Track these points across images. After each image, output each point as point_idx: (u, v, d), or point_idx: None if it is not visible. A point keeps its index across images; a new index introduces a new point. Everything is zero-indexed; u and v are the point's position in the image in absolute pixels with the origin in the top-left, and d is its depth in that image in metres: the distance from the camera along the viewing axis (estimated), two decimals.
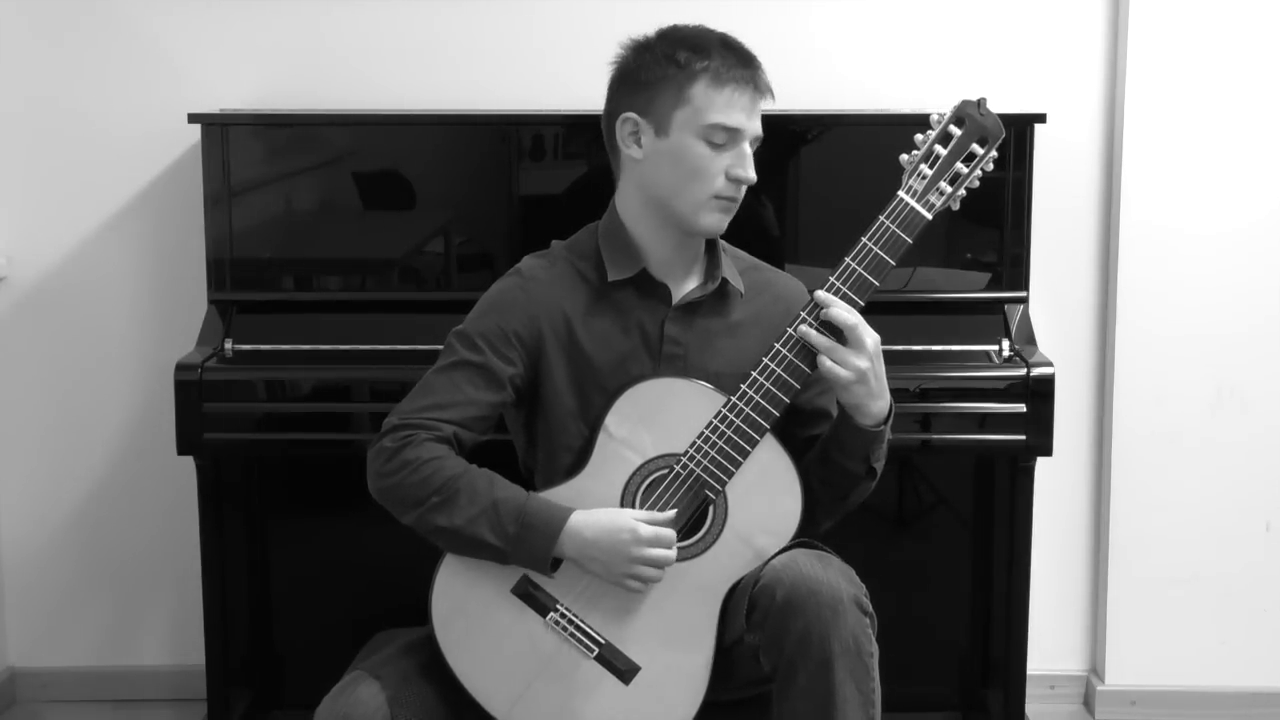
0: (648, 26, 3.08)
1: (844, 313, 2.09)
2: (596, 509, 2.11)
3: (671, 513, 2.11)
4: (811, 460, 2.20)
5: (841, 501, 2.23)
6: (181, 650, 3.29)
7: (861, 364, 2.08)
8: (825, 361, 2.08)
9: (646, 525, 2.08)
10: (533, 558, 2.10)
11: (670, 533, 2.10)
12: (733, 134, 2.15)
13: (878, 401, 2.12)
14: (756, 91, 2.16)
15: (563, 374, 2.20)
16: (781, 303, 2.27)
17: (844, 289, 2.10)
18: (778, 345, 2.10)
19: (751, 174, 2.17)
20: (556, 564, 2.11)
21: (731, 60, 2.15)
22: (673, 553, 2.09)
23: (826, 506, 2.23)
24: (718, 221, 2.20)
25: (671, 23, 2.24)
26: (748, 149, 2.17)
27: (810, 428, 2.24)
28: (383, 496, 2.15)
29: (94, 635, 3.34)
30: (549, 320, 2.20)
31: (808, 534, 2.17)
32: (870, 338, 2.09)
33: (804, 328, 2.09)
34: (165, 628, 3.33)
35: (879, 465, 2.20)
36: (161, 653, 3.33)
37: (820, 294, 2.10)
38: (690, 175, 2.16)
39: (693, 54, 2.15)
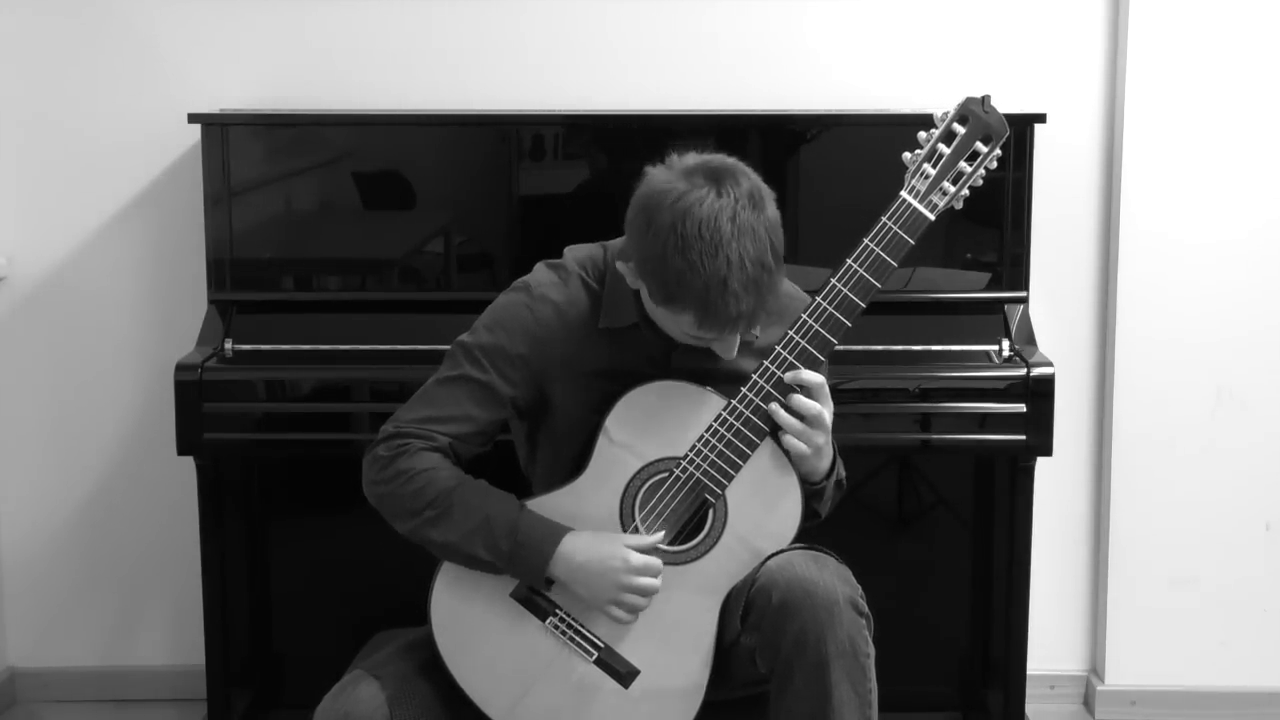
0: (647, 27, 3.08)
1: (811, 375, 2.09)
2: (589, 532, 2.10)
3: (659, 535, 2.11)
4: None
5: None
6: (181, 650, 3.28)
7: (819, 440, 2.11)
8: (793, 441, 2.09)
9: (637, 554, 2.08)
10: (528, 574, 2.10)
11: (658, 562, 2.10)
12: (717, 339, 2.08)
13: (823, 462, 2.15)
14: (747, 328, 2.04)
15: (572, 392, 2.18)
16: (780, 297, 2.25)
17: (845, 290, 2.09)
18: (778, 348, 2.10)
19: (730, 355, 2.09)
20: (551, 580, 2.11)
21: (723, 308, 1.97)
22: (659, 582, 2.09)
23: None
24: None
25: (691, 155, 2.05)
26: (733, 338, 2.08)
27: None
28: (377, 503, 2.15)
29: (94, 635, 3.34)
30: (559, 344, 2.16)
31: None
32: (829, 411, 2.11)
33: (774, 405, 2.08)
34: (165, 628, 3.32)
35: (824, 511, 2.22)
36: (161, 653, 3.33)
37: (789, 374, 2.09)
38: (671, 331, 2.11)
39: (683, 286, 1.97)
